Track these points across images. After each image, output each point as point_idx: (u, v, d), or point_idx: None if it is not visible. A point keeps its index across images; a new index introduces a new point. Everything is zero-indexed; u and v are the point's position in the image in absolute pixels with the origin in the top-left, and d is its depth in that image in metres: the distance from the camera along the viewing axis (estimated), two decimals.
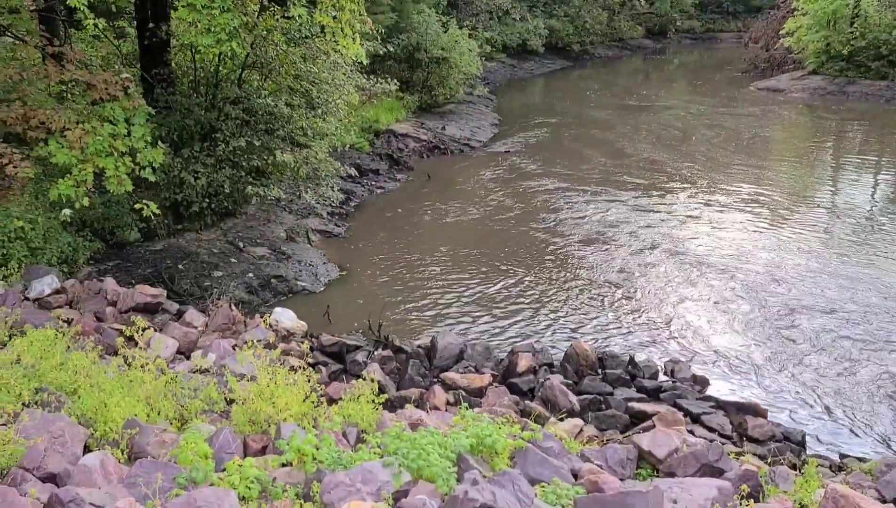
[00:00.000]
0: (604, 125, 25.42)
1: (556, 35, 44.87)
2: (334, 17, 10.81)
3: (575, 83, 39.04)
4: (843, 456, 6.50)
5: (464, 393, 7.56)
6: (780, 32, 35.19)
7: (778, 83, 33.44)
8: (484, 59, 29.31)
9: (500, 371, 8.37)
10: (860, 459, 6.11)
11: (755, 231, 13.83)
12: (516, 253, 12.74)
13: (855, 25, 31.16)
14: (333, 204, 13.69)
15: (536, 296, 10.94)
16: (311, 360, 8.19)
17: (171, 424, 5.32)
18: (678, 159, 19.80)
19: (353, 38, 10.94)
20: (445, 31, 24.27)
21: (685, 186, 17.17)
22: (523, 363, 8.26)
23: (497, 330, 9.92)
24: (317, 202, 12.93)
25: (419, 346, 8.89)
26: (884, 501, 4.58)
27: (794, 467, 5.83)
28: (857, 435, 7.40)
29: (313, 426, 5.15)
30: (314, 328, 9.36)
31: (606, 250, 12.90)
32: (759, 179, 17.84)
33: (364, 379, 6.09)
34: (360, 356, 8.45)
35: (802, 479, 5.03)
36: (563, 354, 8.69)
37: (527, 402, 7.44)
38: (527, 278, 11.56)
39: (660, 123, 25.49)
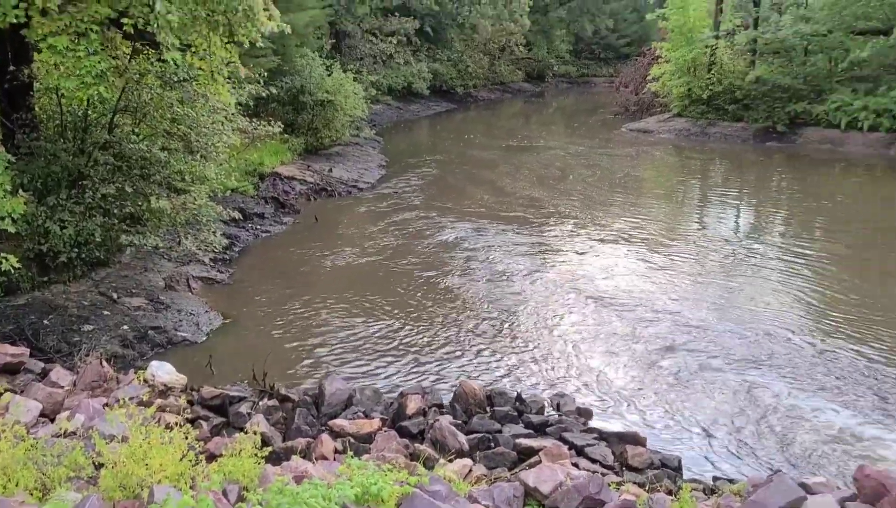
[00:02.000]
0: (487, 164, 26.17)
1: (441, 78, 46.01)
2: (202, 59, 10.64)
3: (459, 125, 40.03)
4: (715, 479, 6.84)
5: (352, 440, 7.43)
6: (647, 78, 37.57)
7: (647, 125, 35.57)
8: (370, 101, 29.56)
9: (389, 415, 8.29)
10: (731, 481, 6.45)
11: (632, 264, 14.51)
12: (405, 293, 12.77)
13: (712, 72, 33.71)
14: (216, 250, 13.27)
15: (426, 336, 10.98)
16: (190, 415, 7.80)
17: (31, 495, 4.91)
18: (558, 197, 20.61)
19: (223, 85, 10.80)
20: (330, 75, 24.35)
21: (564, 222, 17.84)
22: (413, 405, 8.23)
23: (387, 373, 9.86)
24: (198, 248, 12.49)
25: (307, 393, 8.68)
26: None
27: (670, 492, 6.07)
28: (731, 458, 7.81)
29: (190, 487, 4.90)
30: (195, 380, 8.95)
31: (493, 286, 13.15)
32: (633, 214, 18.79)
33: (247, 432, 5.88)
34: (243, 408, 8.14)
35: (678, 504, 5.25)
36: (452, 394, 8.73)
37: (416, 445, 7.39)
38: (415, 318, 11.60)
39: (540, 163, 26.49)
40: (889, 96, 28.27)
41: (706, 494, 6.21)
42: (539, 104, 52.98)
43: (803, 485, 5.75)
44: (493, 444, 7.49)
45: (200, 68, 11.03)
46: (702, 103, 33.93)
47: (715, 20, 35.10)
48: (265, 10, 10.38)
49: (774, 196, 22.93)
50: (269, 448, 5.82)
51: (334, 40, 31.03)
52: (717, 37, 34.00)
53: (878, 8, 30.39)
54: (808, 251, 15.41)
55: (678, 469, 7.12)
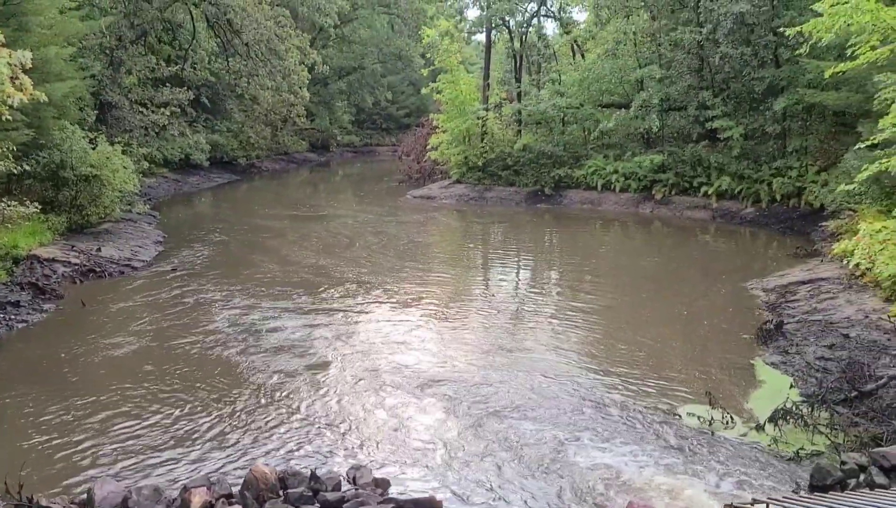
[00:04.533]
0: (274, 234, 25.75)
1: (221, 149, 44.84)
2: None
3: (244, 196, 39.12)
4: None
5: None
6: (427, 147, 39.46)
7: (430, 191, 37.17)
8: (143, 174, 27.93)
9: None
10: None
11: (421, 329, 14.83)
12: (186, 377, 11.96)
13: (485, 141, 36.26)
14: None
15: (211, 420, 10.31)
16: None
17: None
18: (345, 264, 20.71)
19: None
20: (94, 148, 22.72)
21: (354, 289, 17.88)
22: (197, 499, 7.63)
23: (168, 467, 9.07)
24: None
25: (73, 501, 7.75)
26: None
27: None
28: None
29: None
30: None
31: (281, 359, 12.75)
32: (422, 280, 19.34)
33: None
34: None
35: None
36: (242, 481, 8.24)
37: None
38: (198, 404, 10.88)
39: (328, 231, 26.55)
40: (634, 161, 32.08)
41: None
42: (325, 173, 53.44)
43: None
44: None
45: None
46: (478, 170, 36.21)
47: (483, 94, 37.94)
48: (14, 78, 9.51)
49: (547, 254, 24.85)
50: None
51: (98, 112, 29.09)
52: (486, 109, 36.69)
53: (618, 85, 34.67)
54: (580, 304, 16.77)
55: None
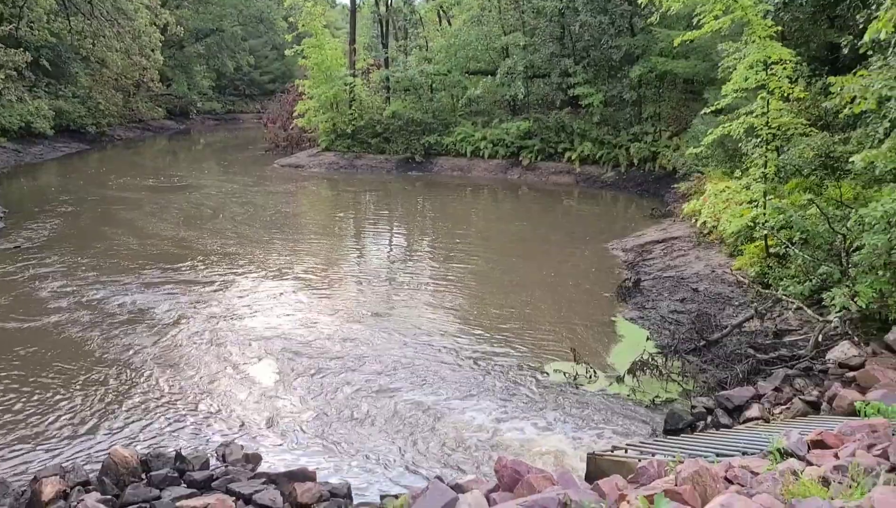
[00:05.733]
0: (131, 206, 24.29)
1: (67, 117, 41.59)
2: None
3: (95, 166, 36.54)
4: (383, 497, 7.06)
5: None
6: (294, 114, 38.34)
7: (298, 160, 36.24)
8: None
9: (21, 506, 7.07)
10: (396, 496, 6.71)
11: (290, 300, 14.49)
12: (31, 360, 11.08)
13: (353, 108, 35.67)
14: None
15: (64, 404, 9.63)
16: None
17: None
18: (209, 236, 19.87)
19: None
20: None
21: (216, 261, 17.19)
22: (49, 489, 7.11)
23: (17, 458, 8.41)
24: None
25: None
26: None
27: None
28: (398, 474, 8.16)
29: None
30: None
31: (138, 336, 12.09)
32: (290, 251, 18.86)
33: None
34: None
35: None
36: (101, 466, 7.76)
37: None
38: (48, 387, 10.12)
39: (190, 203, 25.33)
40: (501, 128, 32.70)
41: None
42: (186, 141, 50.85)
43: (457, 486, 6.20)
44: None
45: None
46: (347, 137, 35.64)
47: (350, 59, 37.22)
48: None
49: (419, 221, 24.94)
50: None
51: None
52: (353, 75, 36.06)
53: (484, 52, 35.05)
54: (452, 270, 16.97)
55: (348, 496, 7.21)
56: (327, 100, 35.53)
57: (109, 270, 16.16)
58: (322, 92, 35.55)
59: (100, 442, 8.77)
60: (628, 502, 4.99)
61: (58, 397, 9.89)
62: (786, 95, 13.47)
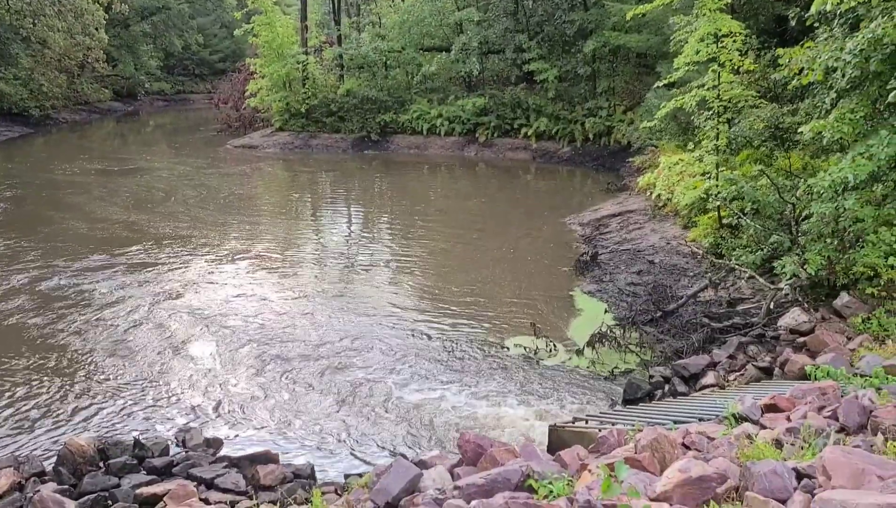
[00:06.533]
0: (78, 190, 23.63)
1: (8, 99, 40.18)
2: None
3: (40, 150, 35.42)
4: (346, 476, 7.06)
5: None
6: (245, 94, 37.54)
7: (252, 140, 35.59)
8: None
9: None
10: (360, 475, 6.71)
11: (251, 283, 14.30)
12: None
13: (307, 87, 35.08)
14: None
15: (14, 396, 9.38)
16: None
17: None
18: (161, 220, 19.47)
19: None
20: None
21: (168, 244, 16.85)
22: (4, 480, 6.94)
23: None
24: None
25: None
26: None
27: (306, 501, 6.07)
28: (363, 452, 8.17)
29: None
30: None
31: (87, 321, 11.82)
32: (247, 233, 18.57)
33: None
34: None
35: None
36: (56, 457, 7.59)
37: None
38: (6, 377, 9.84)
39: (140, 186, 24.75)
40: (457, 105, 32.56)
41: (338, 494, 6.35)
42: (134, 124, 49.53)
43: (420, 462, 6.23)
44: (110, 502, 6.70)
45: None
46: (301, 117, 35.09)
47: (302, 37, 36.55)
48: None
49: (377, 201, 24.77)
50: None
51: None
52: (306, 53, 35.44)
53: (438, 28, 34.78)
54: (412, 249, 16.93)
55: (312, 477, 7.19)
56: (280, 79, 34.88)
57: (56, 254, 15.72)
58: (274, 71, 34.88)
59: (52, 434, 8.56)
60: (589, 471, 5.07)
61: (4, 389, 9.61)
62: (736, 67, 13.67)
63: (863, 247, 9.51)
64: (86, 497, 6.72)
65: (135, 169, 28.63)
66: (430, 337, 11.43)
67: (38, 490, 6.66)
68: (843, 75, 9.60)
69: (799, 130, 10.75)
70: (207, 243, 17.19)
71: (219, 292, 13.52)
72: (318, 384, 9.84)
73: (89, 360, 10.54)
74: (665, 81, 14.77)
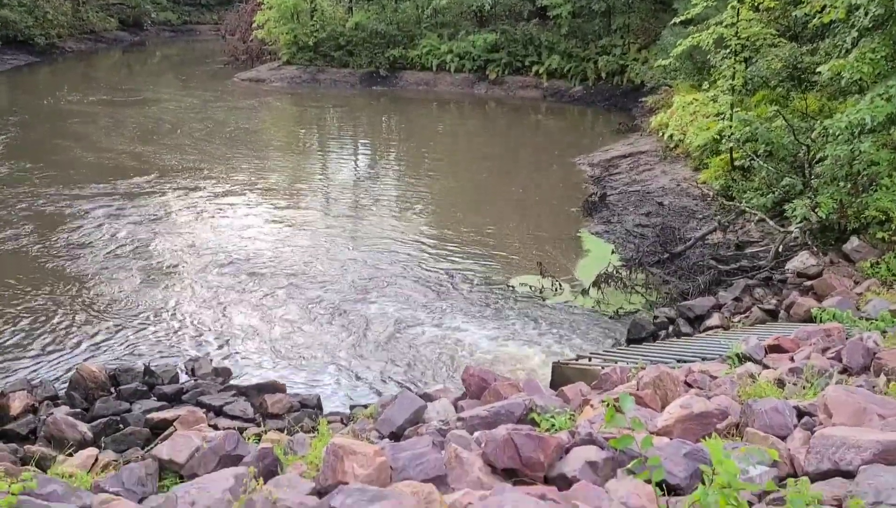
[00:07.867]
0: (85, 120, 23.46)
1: (13, 27, 39.49)
2: None
3: (46, 79, 35.06)
4: (352, 407, 7.18)
5: None
6: (253, 25, 36.80)
7: (259, 74, 35.05)
8: None
9: None
10: (365, 406, 6.83)
11: (254, 217, 14.31)
12: None
13: (315, 19, 34.34)
14: None
15: (30, 322, 9.52)
16: None
17: None
18: (167, 151, 19.37)
19: None
20: None
21: (174, 176, 16.80)
22: (17, 403, 7.10)
23: None
24: None
25: None
26: (381, 437, 5.19)
27: (313, 430, 6.20)
28: (370, 385, 8.29)
29: None
30: None
31: (98, 251, 11.90)
32: (253, 168, 18.47)
33: None
34: None
35: (317, 439, 5.36)
36: (69, 382, 7.75)
37: (27, 447, 6.41)
38: (14, 304, 9.97)
39: (147, 117, 24.53)
40: (467, 41, 31.86)
41: (344, 423, 6.48)
42: (141, 54, 48.82)
43: (425, 395, 6.32)
44: (121, 426, 6.85)
45: None
46: (309, 50, 34.46)
47: None
48: None
49: (385, 138, 24.53)
50: None
51: None
52: None
53: None
54: (420, 189, 16.84)
55: (318, 407, 7.32)
56: (287, 10, 34.12)
57: (63, 181, 15.74)
58: (282, 2, 34.09)
59: (69, 361, 8.71)
60: (592, 406, 5.14)
61: (15, 316, 9.74)
62: (756, 4, 13.29)
63: (876, 191, 9.39)
64: (98, 421, 6.87)
65: (141, 100, 28.35)
66: (436, 275, 11.47)
67: (52, 413, 6.81)
68: (867, 13, 9.31)
69: (817, 70, 10.50)
70: (213, 176, 17.14)
71: (225, 226, 13.55)
72: (326, 317, 9.93)
73: (96, 290, 10.64)
74: (682, 18, 14.39)
